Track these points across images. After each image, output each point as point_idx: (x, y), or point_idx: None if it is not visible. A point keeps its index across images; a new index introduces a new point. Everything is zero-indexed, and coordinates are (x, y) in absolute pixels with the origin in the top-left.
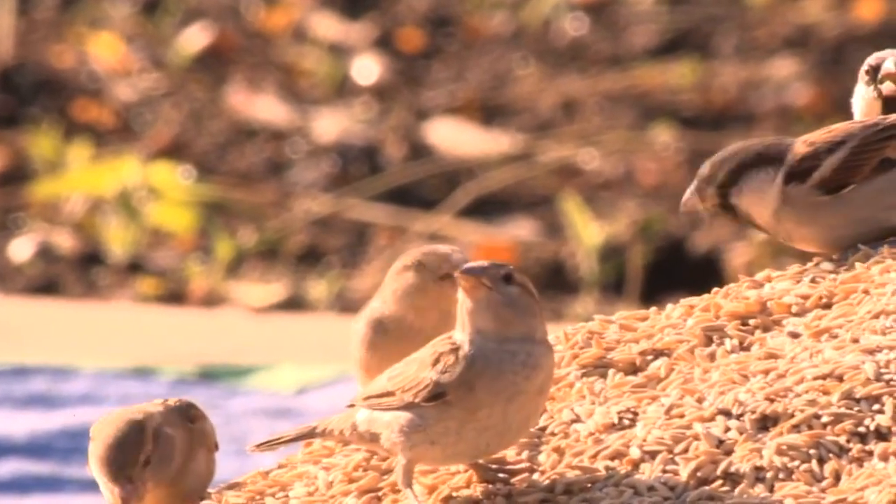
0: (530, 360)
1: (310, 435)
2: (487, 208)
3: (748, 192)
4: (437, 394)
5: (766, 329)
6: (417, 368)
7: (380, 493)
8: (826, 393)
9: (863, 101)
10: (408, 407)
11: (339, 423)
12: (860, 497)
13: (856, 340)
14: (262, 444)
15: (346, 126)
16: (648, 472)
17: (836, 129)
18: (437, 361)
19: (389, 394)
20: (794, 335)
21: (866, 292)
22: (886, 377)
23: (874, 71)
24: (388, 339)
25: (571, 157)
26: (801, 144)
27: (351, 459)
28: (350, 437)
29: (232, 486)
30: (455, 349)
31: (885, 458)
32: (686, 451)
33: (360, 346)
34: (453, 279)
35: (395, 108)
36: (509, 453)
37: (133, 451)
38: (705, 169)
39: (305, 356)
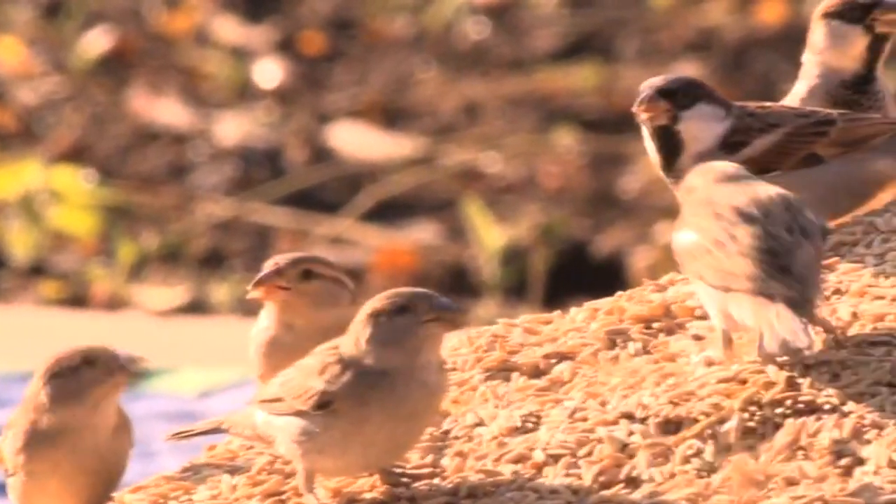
0: (437, 388)
1: (216, 430)
2: (390, 212)
3: (698, 120)
4: (323, 402)
5: (669, 332)
6: (305, 376)
7: (283, 497)
8: (729, 397)
9: (841, 40)
10: (298, 414)
11: (242, 420)
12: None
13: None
14: (175, 434)
15: (248, 129)
16: (552, 476)
17: (771, 108)
18: (323, 370)
19: (280, 399)
20: (698, 338)
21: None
22: (791, 381)
23: (864, 8)
24: (282, 348)
25: (474, 160)
26: (740, 112)
27: (255, 463)
28: (252, 437)
29: (136, 490)
30: (342, 360)
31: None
32: (590, 454)
33: (255, 353)
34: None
35: (298, 111)
36: (413, 457)
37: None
38: (661, 81)
39: (208, 359)
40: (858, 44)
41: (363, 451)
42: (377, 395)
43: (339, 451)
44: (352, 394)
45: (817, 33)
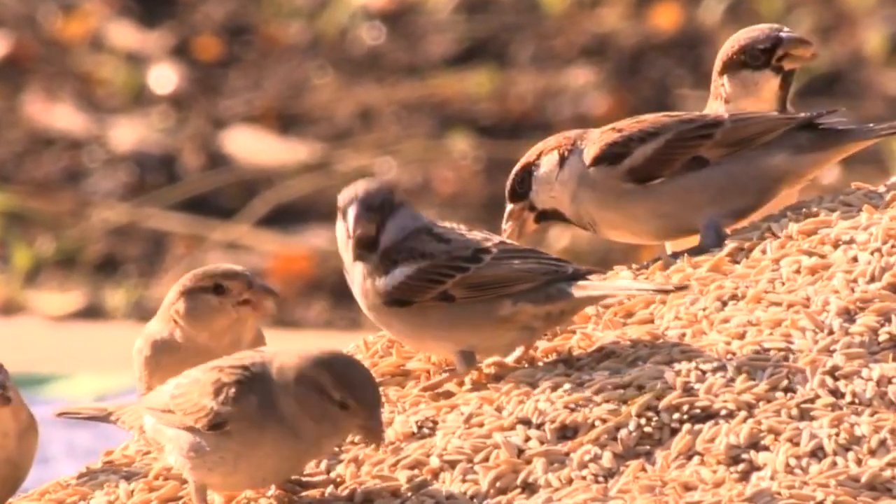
0: None
1: (104, 418)
2: (285, 217)
3: (539, 188)
4: (216, 423)
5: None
6: (199, 394)
7: (180, 503)
8: (626, 402)
9: (754, 87)
10: (189, 429)
11: (130, 416)
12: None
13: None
14: (61, 412)
15: (143, 135)
16: (448, 482)
17: (647, 119)
18: (218, 391)
19: (171, 412)
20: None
21: (663, 303)
22: (687, 387)
23: (766, 52)
24: (173, 361)
25: (369, 165)
26: (608, 131)
27: (151, 468)
28: (141, 436)
29: (32, 496)
30: (239, 381)
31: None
32: (486, 459)
33: (142, 366)
34: (251, 304)
35: (193, 116)
36: (308, 463)
37: None
38: (509, 204)
39: (103, 365)
40: (771, 85)
41: (253, 470)
42: (270, 418)
43: (229, 469)
44: (245, 417)
45: (726, 86)
